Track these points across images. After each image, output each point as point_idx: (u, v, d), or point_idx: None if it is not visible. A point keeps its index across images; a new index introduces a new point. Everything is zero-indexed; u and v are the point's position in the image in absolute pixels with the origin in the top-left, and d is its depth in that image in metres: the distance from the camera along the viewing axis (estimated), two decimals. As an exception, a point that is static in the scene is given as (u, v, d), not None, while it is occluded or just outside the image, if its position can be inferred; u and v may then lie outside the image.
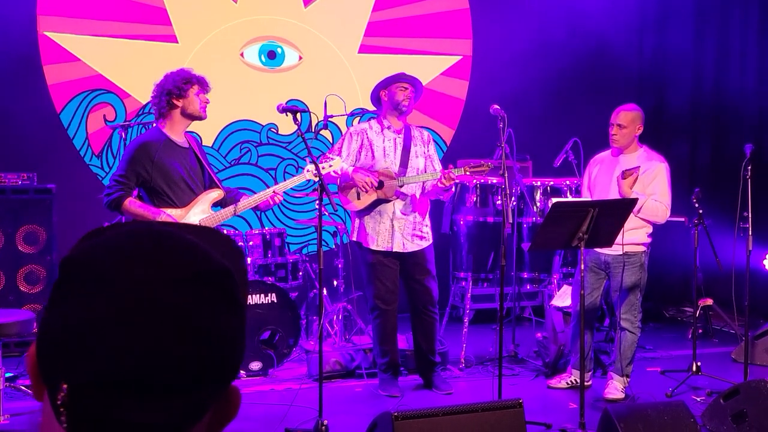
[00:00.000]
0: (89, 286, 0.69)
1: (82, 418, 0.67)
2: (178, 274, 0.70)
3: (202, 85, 3.99)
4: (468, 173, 4.51)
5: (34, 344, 0.72)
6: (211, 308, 0.70)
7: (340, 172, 4.55)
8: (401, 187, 4.61)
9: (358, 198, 4.61)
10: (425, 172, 4.68)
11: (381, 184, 4.59)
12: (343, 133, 4.85)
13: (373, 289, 4.71)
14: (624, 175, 4.36)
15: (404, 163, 4.66)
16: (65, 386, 0.67)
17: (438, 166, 4.74)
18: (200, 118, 4.05)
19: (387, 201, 4.63)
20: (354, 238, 4.77)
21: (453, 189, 4.82)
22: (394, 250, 4.65)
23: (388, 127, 4.72)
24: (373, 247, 4.65)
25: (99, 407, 0.67)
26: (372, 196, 4.61)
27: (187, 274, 0.70)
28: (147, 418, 0.67)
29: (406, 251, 4.67)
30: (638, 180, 4.40)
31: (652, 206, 4.46)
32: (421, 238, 4.71)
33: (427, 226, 4.76)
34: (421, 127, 5.11)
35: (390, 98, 4.68)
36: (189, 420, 0.70)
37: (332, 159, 4.34)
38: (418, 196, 4.72)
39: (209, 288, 0.71)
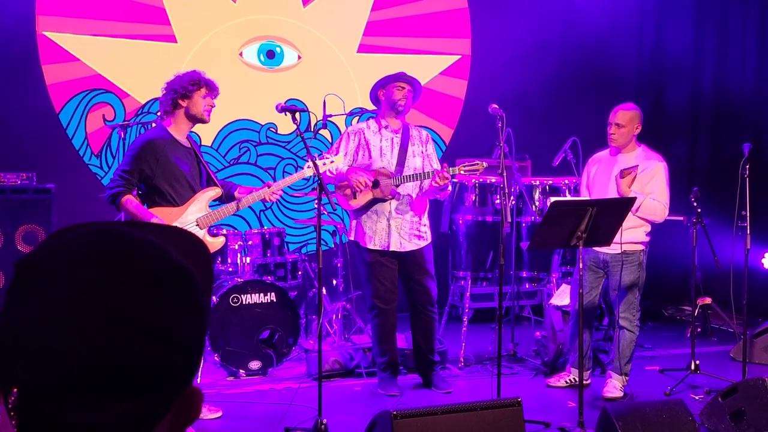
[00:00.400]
0: (38, 288, 0.68)
1: (32, 421, 0.66)
2: (129, 274, 0.69)
3: (210, 89, 4.00)
4: (462, 172, 4.50)
5: None
6: (163, 309, 0.69)
7: (335, 172, 4.56)
8: (397, 186, 4.61)
9: (354, 197, 4.62)
10: (422, 171, 4.69)
11: (377, 183, 4.60)
12: (341, 133, 4.86)
13: (371, 289, 4.71)
14: (622, 174, 4.36)
15: (401, 162, 4.66)
16: (15, 390, 0.66)
17: (436, 166, 4.75)
18: (203, 121, 4.07)
19: (384, 200, 4.63)
20: (351, 238, 4.78)
21: (449, 189, 4.80)
22: (391, 249, 4.65)
23: (386, 127, 4.72)
24: (371, 247, 4.66)
25: (48, 411, 0.65)
26: (368, 196, 4.61)
27: (139, 274, 0.69)
28: (97, 420, 0.66)
29: (404, 250, 4.68)
30: (637, 179, 4.41)
31: (650, 205, 4.46)
32: (419, 237, 4.72)
33: (425, 225, 4.76)
34: (420, 126, 5.11)
35: (387, 98, 4.69)
36: (144, 422, 0.69)
37: (333, 156, 4.35)
38: (414, 196, 4.72)
39: (163, 288, 0.70)
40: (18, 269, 0.71)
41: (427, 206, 4.83)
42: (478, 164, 4.47)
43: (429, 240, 4.78)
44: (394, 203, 4.65)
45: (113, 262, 0.69)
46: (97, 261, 0.69)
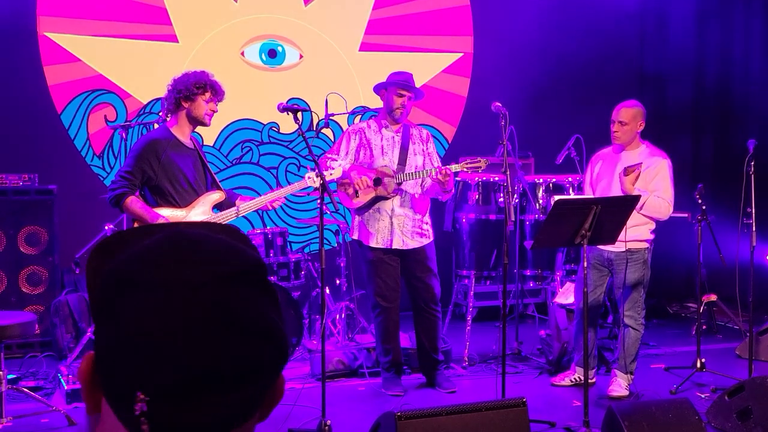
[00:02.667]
0: (142, 296, 0.70)
1: (165, 424, 0.69)
2: (223, 272, 0.72)
3: (216, 93, 3.97)
4: (465, 169, 4.48)
5: (87, 360, 0.74)
6: (254, 302, 0.73)
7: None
8: (399, 184, 4.60)
9: (357, 195, 4.61)
10: (424, 169, 4.67)
11: (379, 182, 4.59)
12: (342, 133, 4.84)
13: (373, 287, 4.70)
14: (626, 171, 4.34)
15: (402, 161, 4.65)
16: (141, 396, 0.68)
17: (437, 164, 4.72)
18: (203, 125, 4.04)
19: (386, 198, 4.62)
20: (354, 236, 4.77)
21: (453, 190, 4.76)
22: (393, 247, 4.64)
23: (386, 126, 4.70)
24: (373, 245, 4.65)
25: (180, 411, 0.69)
26: (370, 194, 4.60)
27: (231, 272, 0.72)
28: (223, 413, 0.70)
29: (406, 248, 4.66)
30: (641, 176, 4.38)
31: (654, 203, 4.44)
32: (422, 235, 4.70)
33: (427, 223, 4.75)
34: (421, 125, 5.08)
35: (386, 101, 4.67)
36: (254, 407, 0.75)
37: (333, 169, 4.31)
38: (417, 195, 4.70)
39: (251, 283, 0.74)
40: (110, 281, 0.73)
41: (429, 204, 4.81)
42: (480, 161, 4.45)
43: (431, 238, 4.77)
44: (396, 201, 4.64)
45: (205, 263, 0.72)
46: (191, 263, 0.72)
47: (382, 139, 4.68)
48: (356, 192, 4.59)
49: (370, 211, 4.66)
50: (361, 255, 4.76)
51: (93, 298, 0.76)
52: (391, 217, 4.64)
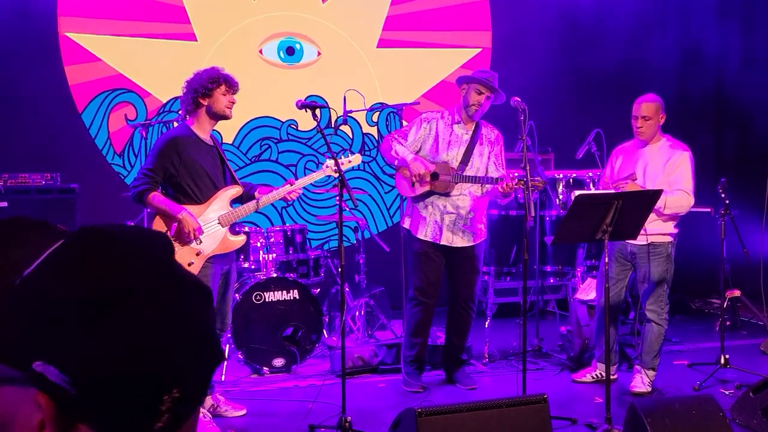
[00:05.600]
0: (142, 300, 0.68)
1: (185, 416, 0.70)
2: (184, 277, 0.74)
3: (230, 85, 4.00)
4: (522, 186, 4.20)
5: (48, 406, 0.66)
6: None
7: (399, 156, 4.53)
8: (456, 184, 4.55)
9: (413, 185, 4.58)
10: (486, 172, 4.61)
11: (436, 176, 4.54)
12: (415, 119, 4.80)
13: (415, 279, 4.68)
14: (625, 183, 4.37)
15: (465, 160, 4.59)
16: (175, 392, 0.68)
17: (502, 169, 4.64)
18: (225, 118, 4.07)
19: (440, 194, 4.59)
20: (405, 225, 4.74)
21: (512, 195, 4.55)
22: (441, 243, 4.61)
23: (458, 122, 4.65)
24: (421, 237, 4.63)
25: (196, 404, 0.72)
26: (426, 187, 4.57)
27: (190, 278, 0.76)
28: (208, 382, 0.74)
29: (454, 246, 4.63)
30: (663, 170, 4.37)
31: (674, 199, 4.39)
32: (474, 234, 4.65)
33: (482, 224, 4.70)
34: (493, 126, 4.93)
35: (465, 96, 4.62)
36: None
37: (352, 155, 4.32)
38: (474, 196, 4.62)
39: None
40: (106, 297, 0.67)
41: (486, 205, 4.75)
42: (539, 182, 4.16)
43: (483, 237, 4.72)
44: (451, 199, 4.59)
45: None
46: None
47: (451, 134, 4.64)
48: (413, 181, 4.56)
49: (425, 202, 4.62)
50: (409, 245, 4.74)
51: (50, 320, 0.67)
52: (442, 213, 4.60)
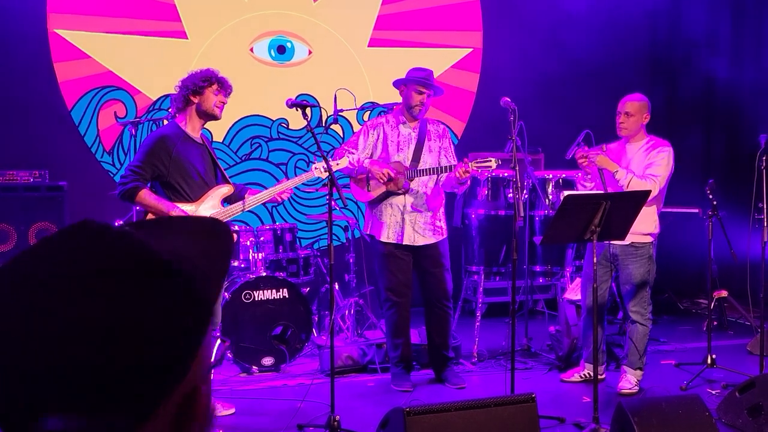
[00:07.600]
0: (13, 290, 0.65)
1: None
2: (83, 270, 0.65)
3: (222, 86, 4.00)
4: (474, 168, 4.42)
5: None
6: (128, 304, 0.64)
7: (356, 164, 4.55)
8: (411, 180, 4.59)
9: (368, 189, 4.62)
10: (438, 166, 4.65)
11: (390, 176, 4.59)
12: (361, 126, 4.84)
13: (384, 281, 4.70)
14: (597, 151, 4.50)
15: (416, 157, 4.65)
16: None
17: (453, 160, 4.71)
18: (215, 118, 4.06)
19: (397, 194, 4.62)
20: (367, 230, 4.77)
21: (468, 182, 4.76)
22: (404, 242, 4.64)
23: (404, 122, 4.70)
24: (384, 239, 4.66)
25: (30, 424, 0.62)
26: (381, 188, 4.61)
27: (95, 269, 0.65)
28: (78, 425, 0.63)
29: (417, 244, 4.66)
30: (641, 154, 4.49)
31: (639, 183, 4.40)
32: (434, 232, 4.70)
33: (440, 220, 4.74)
34: (438, 120, 5.04)
35: (405, 97, 4.66)
36: (129, 422, 0.64)
37: (339, 159, 4.33)
38: (430, 191, 4.69)
39: (129, 283, 0.65)
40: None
41: (443, 201, 4.80)
42: (490, 161, 4.39)
43: (445, 234, 4.76)
44: (408, 197, 4.63)
45: (69, 260, 0.65)
46: (53, 261, 0.65)
47: (398, 135, 4.68)
48: (368, 185, 4.60)
49: (383, 205, 4.66)
50: (373, 248, 4.76)
51: None
52: (402, 213, 4.64)
